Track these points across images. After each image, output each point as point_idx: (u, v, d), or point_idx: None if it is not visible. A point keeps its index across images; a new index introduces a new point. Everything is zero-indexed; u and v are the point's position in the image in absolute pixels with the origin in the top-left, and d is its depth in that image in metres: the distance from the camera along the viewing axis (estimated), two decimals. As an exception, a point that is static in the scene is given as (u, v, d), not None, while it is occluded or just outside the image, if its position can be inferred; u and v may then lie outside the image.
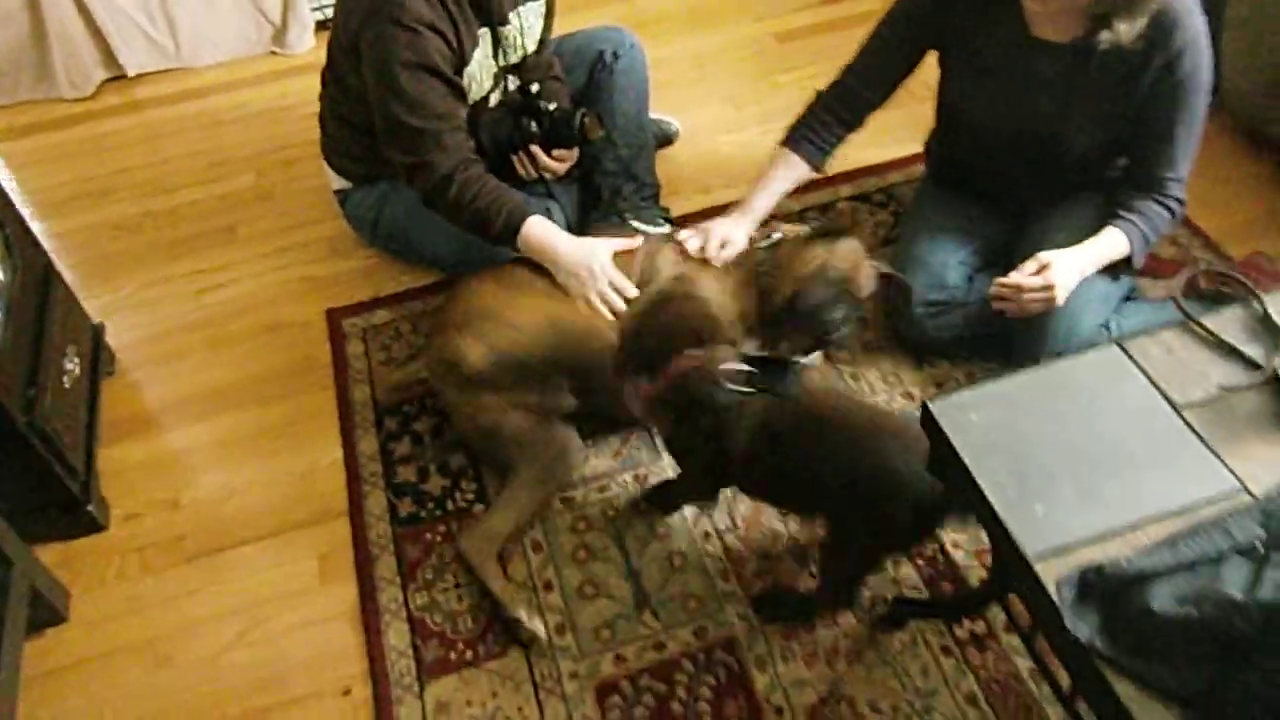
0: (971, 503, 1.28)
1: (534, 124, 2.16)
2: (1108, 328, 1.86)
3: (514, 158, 2.20)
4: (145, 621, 1.80)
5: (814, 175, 2.08)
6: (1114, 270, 1.87)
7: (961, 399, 1.31)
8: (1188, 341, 1.35)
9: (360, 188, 2.30)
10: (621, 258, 1.96)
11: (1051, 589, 1.11)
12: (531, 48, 2.15)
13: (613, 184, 2.33)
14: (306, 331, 2.30)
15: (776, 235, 1.95)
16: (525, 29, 2.10)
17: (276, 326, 2.32)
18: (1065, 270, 1.76)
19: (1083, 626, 1.05)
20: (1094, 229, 1.85)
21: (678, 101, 2.78)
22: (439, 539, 1.88)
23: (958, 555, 1.77)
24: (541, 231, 1.96)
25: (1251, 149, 2.40)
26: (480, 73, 2.05)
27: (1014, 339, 1.91)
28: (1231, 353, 1.33)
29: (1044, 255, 1.77)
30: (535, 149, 2.17)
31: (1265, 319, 1.36)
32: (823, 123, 2.01)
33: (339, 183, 2.33)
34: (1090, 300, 1.84)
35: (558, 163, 2.20)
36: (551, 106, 2.16)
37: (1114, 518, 1.17)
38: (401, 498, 1.95)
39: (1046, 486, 1.21)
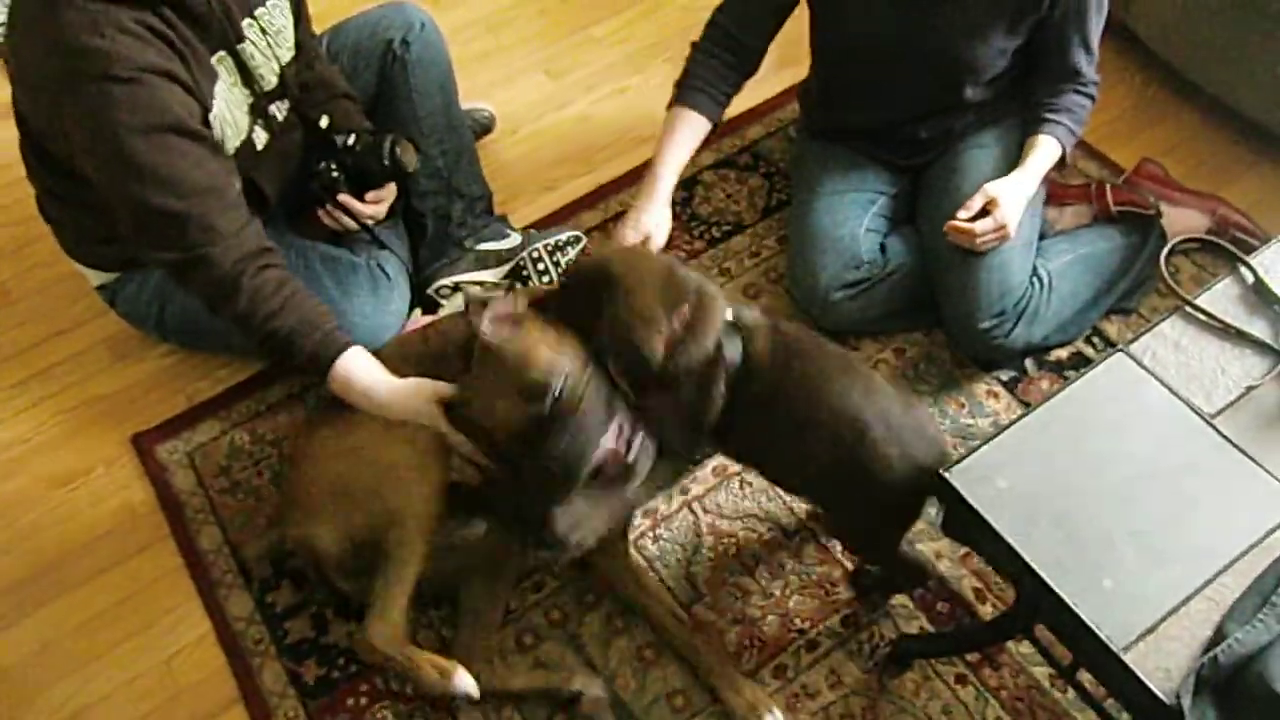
0: (1022, 581, 1.17)
1: (334, 168, 1.84)
2: (1038, 277, 1.81)
3: (321, 212, 1.88)
4: None
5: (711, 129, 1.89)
6: (1026, 210, 1.80)
7: (982, 463, 1.21)
8: (1191, 332, 1.29)
9: (129, 276, 1.91)
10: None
11: (1155, 688, 1.03)
12: (286, 57, 1.78)
13: (436, 206, 2.06)
14: (113, 473, 1.94)
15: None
16: (272, 36, 1.73)
17: (70, 476, 1.94)
18: (1012, 203, 1.70)
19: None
20: (1012, 152, 1.81)
21: (480, 84, 2.49)
22: (364, 700, 1.64)
23: (943, 567, 1.70)
24: (359, 371, 1.58)
25: (1107, 40, 2.36)
26: (230, 112, 1.67)
27: (945, 308, 1.84)
28: (1239, 336, 1.27)
29: (990, 189, 1.70)
30: (345, 198, 1.87)
31: (1259, 287, 1.30)
32: (711, 70, 1.83)
33: (99, 278, 1.94)
34: (1014, 251, 1.79)
35: (375, 205, 1.91)
36: (350, 141, 1.84)
37: (1188, 573, 1.11)
38: (303, 661, 1.69)
39: (1105, 552, 1.13)
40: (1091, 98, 1.79)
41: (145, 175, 1.49)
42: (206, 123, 1.60)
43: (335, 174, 1.84)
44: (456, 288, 2.06)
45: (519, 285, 2.08)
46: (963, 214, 1.69)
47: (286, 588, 1.76)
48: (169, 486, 1.89)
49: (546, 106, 2.44)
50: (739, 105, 2.32)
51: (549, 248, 2.10)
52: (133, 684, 1.70)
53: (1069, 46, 1.74)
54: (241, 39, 1.66)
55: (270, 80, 1.74)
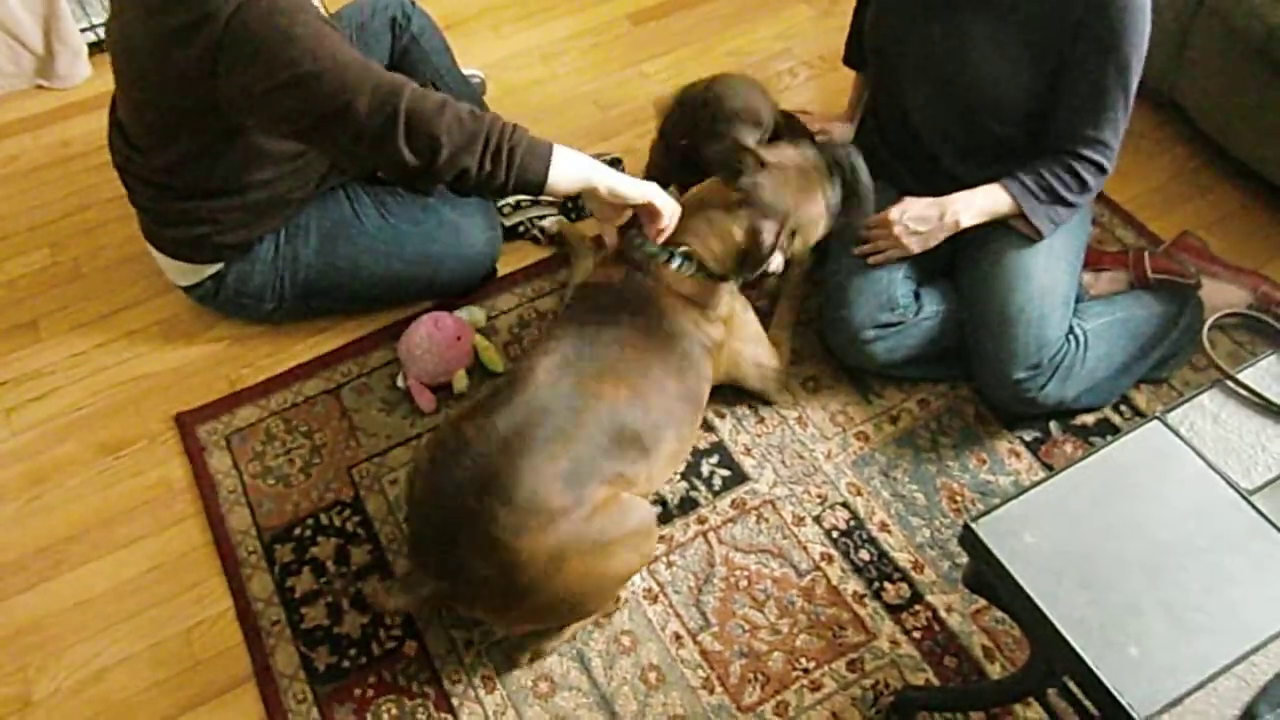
0: (1043, 641, 1.08)
1: None
2: (1075, 335, 1.72)
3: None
4: None
5: None
6: (1065, 268, 1.73)
7: (1010, 516, 1.12)
8: (1231, 406, 1.20)
9: (239, 259, 1.89)
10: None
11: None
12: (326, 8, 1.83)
13: None
14: (155, 447, 1.89)
15: None
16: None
17: (116, 445, 1.90)
18: (910, 206, 1.71)
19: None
20: None
21: (531, 108, 2.46)
22: (371, 692, 1.57)
23: (953, 621, 1.60)
24: (577, 166, 1.55)
25: (1151, 111, 2.29)
26: None
27: (980, 357, 1.75)
28: (1280, 415, 1.17)
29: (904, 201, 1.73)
30: None
31: (1303, 366, 1.21)
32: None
33: (197, 273, 1.91)
34: (1054, 307, 1.70)
35: None
36: None
37: (1217, 649, 1.01)
38: (315, 648, 1.62)
39: (1133, 619, 1.03)
40: (1076, 174, 1.65)
41: (316, 49, 1.46)
42: None
43: None
44: (518, 205, 2.16)
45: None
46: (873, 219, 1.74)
47: (307, 574, 1.70)
48: (205, 466, 1.84)
49: (592, 137, 2.40)
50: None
51: None
52: (153, 650, 1.64)
53: (1075, 106, 1.62)
54: None
55: None
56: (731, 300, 1.70)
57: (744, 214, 1.59)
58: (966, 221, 1.70)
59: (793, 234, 1.62)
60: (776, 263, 1.61)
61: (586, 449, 1.43)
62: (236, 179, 1.75)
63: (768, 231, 1.57)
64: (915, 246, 1.72)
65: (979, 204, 1.69)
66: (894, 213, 1.71)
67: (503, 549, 1.35)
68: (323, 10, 1.72)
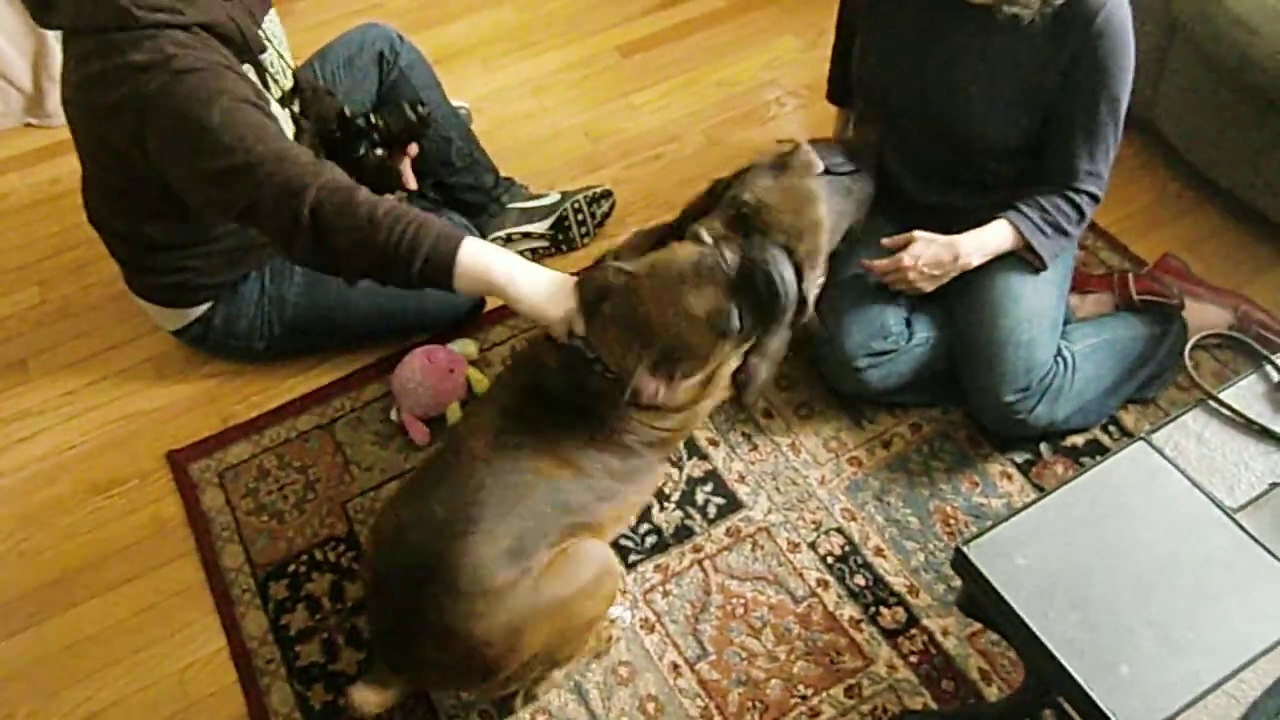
0: (1036, 662, 1.10)
1: (376, 149, 1.92)
2: (1063, 357, 1.75)
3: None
4: None
5: None
6: (1054, 292, 1.77)
7: (1000, 539, 1.14)
8: (1215, 426, 1.23)
9: (225, 300, 1.92)
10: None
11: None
12: (291, 61, 1.85)
13: (472, 182, 2.17)
14: (147, 486, 1.91)
15: None
16: (278, 43, 1.80)
17: (107, 485, 1.91)
18: (922, 249, 1.70)
19: None
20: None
21: (521, 140, 2.51)
22: (367, 730, 1.57)
23: (950, 644, 1.62)
24: (494, 255, 1.48)
25: (1132, 135, 2.34)
26: (274, 111, 1.72)
27: (971, 380, 1.78)
28: (1263, 434, 1.20)
29: (914, 234, 1.72)
30: (403, 167, 1.97)
31: (1282, 386, 1.24)
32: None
33: (184, 317, 1.94)
34: (1043, 330, 1.73)
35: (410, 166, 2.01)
36: (374, 120, 1.91)
37: (1207, 667, 1.04)
38: (311, 685, 1.63)
39: (1123, 638, 1.06)
40: (1077, 206, 1.70)
41: (232, 141, 1.47)
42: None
43: (380, 152, 1.92)
44: (509, 239, 2.17)
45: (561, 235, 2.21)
46: (885, 241, 1.73)
47: (301, 611, 1.71)
48: (198, 503, 1.85)
49: (583, 168, 2.44)
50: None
51: (588, 199, 2.20)
52: (146, 692, 1.65)
53: (1071, 143, 1.67)
54: (263, 49, 1.70)
55: (286, 83, 1.80)
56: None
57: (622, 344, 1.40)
58: (977, 262, 1.73)
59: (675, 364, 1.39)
60: (665, 397, 1.43)
61: (527, 524, 1.38)
62: (204, 231, 1.78)
63: (635, 375, 1.38)
64: (928, 288, 1.74)
65: (990, 245, 1.72)
66: (907, 259, 1.71)
67: (457, 638, 1.33)
68: (253, 76, 1.69)
